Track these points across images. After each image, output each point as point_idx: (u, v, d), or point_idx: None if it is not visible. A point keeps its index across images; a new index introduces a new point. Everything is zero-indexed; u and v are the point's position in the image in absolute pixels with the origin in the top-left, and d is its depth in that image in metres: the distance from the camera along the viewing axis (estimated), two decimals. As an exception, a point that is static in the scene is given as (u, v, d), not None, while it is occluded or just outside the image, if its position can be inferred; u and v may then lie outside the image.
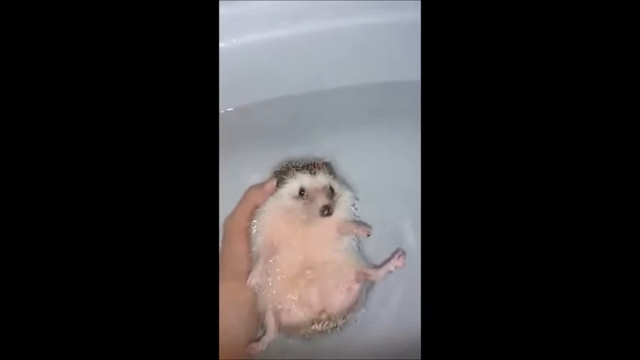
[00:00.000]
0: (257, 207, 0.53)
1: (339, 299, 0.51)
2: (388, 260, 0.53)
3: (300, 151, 0.59)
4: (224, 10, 0.52)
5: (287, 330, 0.51)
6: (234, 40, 0.57)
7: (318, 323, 0.50)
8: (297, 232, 0.51)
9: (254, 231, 0.52)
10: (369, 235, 0.51)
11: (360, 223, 0.53)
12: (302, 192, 0.49)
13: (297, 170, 0.50)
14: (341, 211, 0.52)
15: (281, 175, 0.52)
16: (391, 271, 0.52)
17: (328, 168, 0.52)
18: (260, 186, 0.54)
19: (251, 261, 0.52)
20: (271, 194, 0.52)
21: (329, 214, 0.47)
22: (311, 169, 0.50)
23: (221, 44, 0.56)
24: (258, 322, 0.52)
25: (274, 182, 0.52)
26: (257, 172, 0.57)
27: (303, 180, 0.50)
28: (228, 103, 0.61)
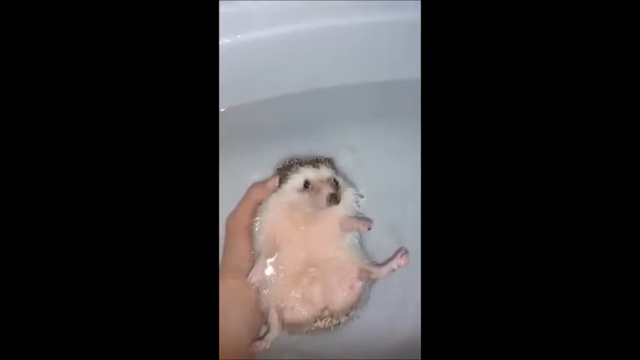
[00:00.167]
0: (259, 204, 0.53)
1: (341, 297, 0.51)
2: (391, 259, 0.53)
3: (300, 150, 0.59)
4: (224, 8, 0.52)
5: (290, 327, 0.51)
6: (233, 39, 0.57)
7: (320, 320, 0.51)
8: (300, 230, 0.51)
9: (256, 228, 0.52)
10: (369, 229, 0.51)
11: (361, 218, 0.53)
12: (307, 184, 0.50)
13: (300, 165, 0.51)
14: (343, 208, 0.52)
15: (284, 171, 0.52)
16: (394, 270, 0.52)
17: (331, 163, 0.53)
18: (262, 183, 0.54)
19: (253, 259, 0.52)
20: (274, 191, 0.52)
21: (337, 201, 0.47)
22: (314, 164, 0.50)
23: (221, 42, 0.55)
24: (261, 320, 0.52)
25: (277, 179, 0.53)
26: (257, 170, 0.57)
27: (307, 173, 0.50)
28: (228, 102, 0.61)
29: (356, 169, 0.58)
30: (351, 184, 0.54)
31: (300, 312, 0.50)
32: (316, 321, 0.51)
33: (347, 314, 0.51)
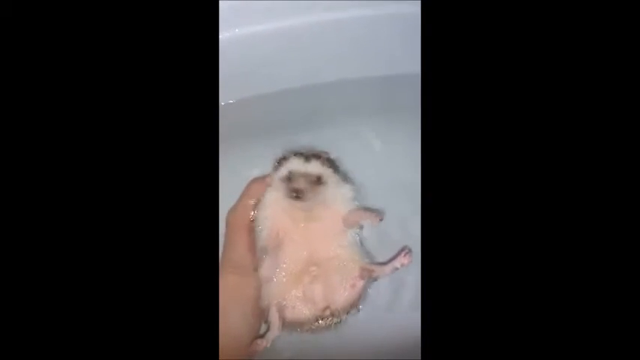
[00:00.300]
0: (259, 199, 0.52)
1: (342, 295, 0.51)
2: (394, 257, 0.53)
3: (300, 145, 0.58)
4: (222, 2, 0.51)
5: (291, 326, 0.51)
6: (232, 33, 0.56)
7: (321, 319, 0.51)
8: (300, 227, 0.51)
9: (257, 224, 0.52)
10: (381, 220, 0.51)
11: (371, 210, 0.53)
12: (289, 176, 0.49)
13: (294, 155, 0.50)
14: (342, 204, 0.51)
15: (279, 163, 0.52)
16: (397, 268, 0.52)
17: (329, 161, 0.52)
18: (261, 178, 0.54)
19: (254, 255, 0.51)
20: (269, 185, 0.52)
21: (297, 197, 0.47)
22: (307, 157, 0.50)
23: (220, 37, 0.55)
24: (261, 317, 0.52)
25: (274, 174, 0.52)
26: (257, 165, 0.57)
27: (294, 164, 0.50)
28: (227, 96, 0.61)
29: (355, 163, 0.58)
30: (351, 181, 0.54)
31: (301, 311, 0.50)
32: (317, 320, 0.51)
33: (348, 313, 0.51)
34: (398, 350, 0.55)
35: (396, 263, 0.52)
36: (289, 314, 0.50)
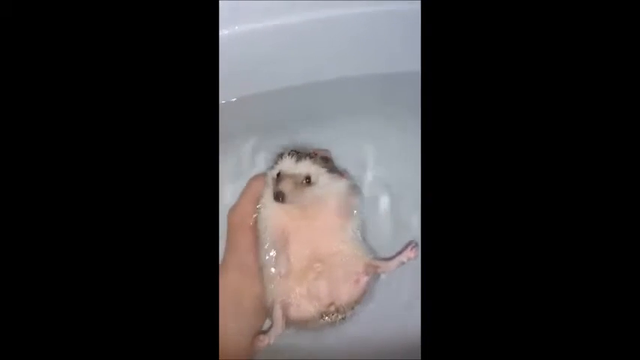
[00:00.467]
0: (259, 198, 0.52)
1: (347, 291, 0.51)
2: (400, 252, 0.52)
3: (299, 143, 0.58)
4: (223, 1, 0.52)
5: (295, 324, 0.51)
6: (232, 30, 0.56)
7: (326, 316, 0.50)
8: (302, 224, 0.51)
9: (260, 223, 0.52)
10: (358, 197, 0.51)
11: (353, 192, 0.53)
12: (278, 175, 0.49)
13: (288, 155, 0.50)
14: (334, 198, 0.51)
15: (277, 159, 0.51)
16: (403, 262, 0.52)
17: (323, 160, 0.52)
18: (261, 176, 0.53)
19: (256, 254, 0.51)
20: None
21: (280, 200, 0.47)
22: (299, 157, 0.50)
23: (220, 34, 0.55)
24: (264, 316, 0.52)
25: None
26: (257, 164, 0.57)
27: (284, 164, 0.49)
28: (227, 95, 0.61)
29: (356, 161, 0.58)
30: (348, 176, 0.54)
31: (305, 308, 0.50)
32: (322, 317, 0.50)
33: (352, 308, 0.51)
34: (400, 348, 0.55)
35: (403, 257, 0.52)
36: (294, 312, 0.50)
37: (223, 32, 0.56)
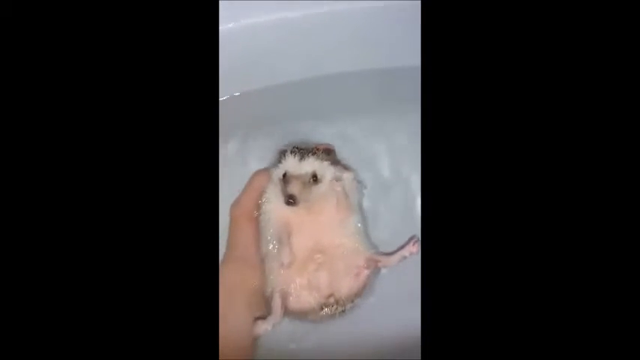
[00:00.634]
0: (263, 192, 0.53)
1: (347, 284, 0.51)
2: (402, 246, 0.53)
3: (300, 138, 0.59)
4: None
5: (295, 315, 0.52)
6: (231, 25, 0.56)
7: (326, 307, 0.51)
8: (305, 217, 0.51)
9: (263, 216, 0.52)
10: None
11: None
12: (285, 176, 0.49)
13: (291, 153, 0.50)
14: (342, 193, 0.51)
15: (278, 158, 0.52)
16: (405, 257, 0.52)
17: (327, 153, 0.52)
18: (264, 171, 0.54)
19: (258, 247, 0.52)
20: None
21: (292, 203, 0.47)
22: (302, 154, 0.50)
23: (220, 29, 0.55)
24: (265, 308, 0.52)
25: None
26: (258, 159, 0.57)
27: (289, 164, 0.49)
28: (227, 90, 0.61)
29: (355, 157, 0.58)
30: (350, 169, 0.54)
31: (305, 299, 0.51)
32: (322, 308, 0.51)
33: (352, 301, 0.51)
34: (400, 342, 0.55)
35: (405, 252, 0.52)
36: (293, 303, 0.51)
37: (222, 27, 0.55)
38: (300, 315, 0.52)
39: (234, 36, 0.56)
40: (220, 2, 0.47)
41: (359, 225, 0.53)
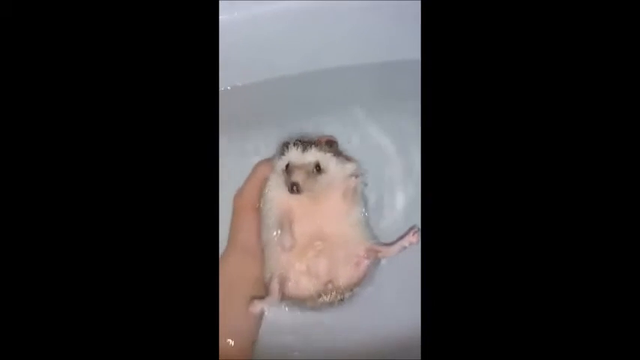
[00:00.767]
0: (265, 182, 0.53)
1: (346, 272, 0.51)
2: (402, 236, 0.53)
3: (301, 131, 0.59)
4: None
5: (293, 301, 0.52)
6: (229, 16, 0.56)
7: (324, 295, 0.51)
8: (307, 206, 0.51)
9: (265, 205, 0.52)
10: (359, 176, 0.51)
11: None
12: (288, 167, 0.50)
13: (293, 145, 0.51)
14: (340, 182, 0.52)
15: (281, 150, 0.52)
16: (405, 247, 0.52)
17: (329, 145, 0.52)
18: (267, 161, 0.54)
19: (260, 237, 0.52)
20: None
21: (296, 191, 0.47)
22: (305, 146, 0.50)
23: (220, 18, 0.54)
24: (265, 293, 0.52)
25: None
26: (259, 152, 0.58)
27: (292, 155, 0.50)
28: (227, 82, 0.61)
29: (355, 150, 0.58)
30: (352, 160, 0.54)
31: (304, 285, 0.51)
32: (320, 295, 0.51)
33: (351, 290, 0.52)
34: (400, 333, 0.55)
35: (405, 242, 0.52)
36: (292, 288, 0.51)
37: (222, 17, 0.55)
38: (299, 301, 0.52)
39: (234, 27, 0.56)
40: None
41: (361, 216, 0.53)
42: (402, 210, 0.62)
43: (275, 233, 0.51)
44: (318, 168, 0.50)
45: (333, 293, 0.51)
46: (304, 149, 0.50)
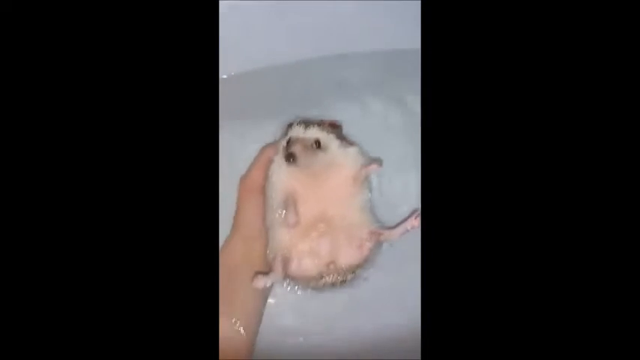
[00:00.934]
0: (270, 165, 0.53)
1: (348, 254, 0.51)
2: (404, 220, 0.53)
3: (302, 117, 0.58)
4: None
5: (296, 279, 0.52)
6: (228, 4, 0.56)
7: (326, 275, 0.51)
8: (311, 188, 0.51)
9: (270, 186, 0.52)
10: (380, 166, 0.52)
11: (369, 161, 0.53)
12: (289, 142, 0.50)
13: (297, 124, 0.51)
14: (350, 167, 0.52)
15: (287, 129, 0.53)
16: (407, 230, 0.52)
17: (331, 127, 0.52)
18: (272, 145, 0.55)
19: (264, 220, 0.52)
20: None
21: (291, 160, 0.47)
22: (307, 124, 0.51)
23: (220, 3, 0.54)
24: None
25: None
26: (263, 139, 0.57)
27: (293, 132, 0.51)
28: (227, 69, 0.61)
29: (356, 137, 0.59)
30: (356, 144, 0.54)
31: (306, 265, 0.51)
32: (322, 276, 0.51)
33: (353, 272, 0.52)
34: (399, 319, 0.56)
35: (407, 225, 0.52)
36: (295, 268, 0.51)
37: (222, 3, 0.54)
38: (301, 281, 0.52)
39: (234, 12, 0.56)
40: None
41: (365, 199, 0.53)
42: (403, 194, 0.63)
43: (278, 215, 0.51)
44: (318, 144, 0.50)
45: (335, 274, 0.51)
46: (307, 127, 0.50)
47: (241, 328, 0.50)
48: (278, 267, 0.50)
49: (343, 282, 0.52)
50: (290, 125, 0.52)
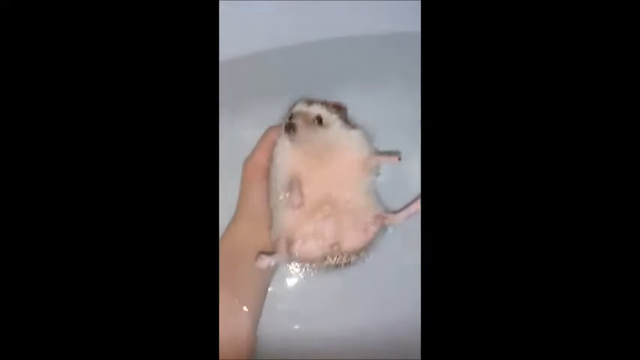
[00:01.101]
0: (275, 144, 0.53)
1: (353, 237, 0.51)
2: (409, 204, 0.53)
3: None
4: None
5: (300, 260, 0.53)
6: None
7: (330, 257, 0.51)
8: (316, 169, 0.52)
9: (275, 168, 0.52)
10: (400, 159, 0.52)
11: (387, 153, 0.53)
12: (291, 117, 0.50)
13: (301, 102, 0.51)
14: (354, 150, 0.52)
15: (291, 107, 0.53)
16: (412, 214, 0.52)
17: (335, 107, 0.52)
18: (277, 126, 0.55)
19: (268, 202, 0.53)
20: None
21: (291, 131, 0.47)
22: (310, 102, 0.51)
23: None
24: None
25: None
26: (258, 122, 0.57)
27: (297, 108, 0.51)
28: (227, 53, 0.60)
29: (358, 121, 0.58)
30: (360, 127, 0.54)
31: (310, 245, 0.51)
32: (326, 257, 0.51)
33: (357, 254, 0.52)
34: (401, 305, 0.57)
35: (412, 209, 0.52)
36: (299, 250, 0.51)
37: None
38: (305, 262, 0.53)
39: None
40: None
41: (370, 183, 0.53)
42: (408, 179, 0.63)
43: (282, 196, 0.51)
44: (319, 120, 0.50)
45: (339, 256, 0.52)
46: (310, 104, 0.51)
47: (244, 306, 0.51)
48: (282, 248, 0.50)
49: (347, 264, 0.52)
50: (294, 104, 0.52)
